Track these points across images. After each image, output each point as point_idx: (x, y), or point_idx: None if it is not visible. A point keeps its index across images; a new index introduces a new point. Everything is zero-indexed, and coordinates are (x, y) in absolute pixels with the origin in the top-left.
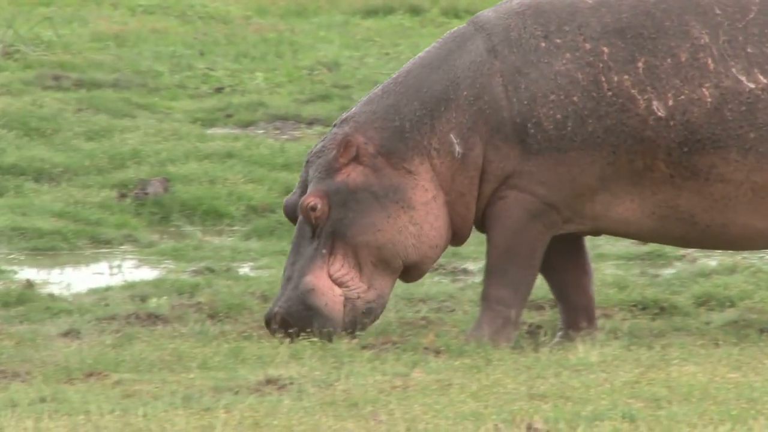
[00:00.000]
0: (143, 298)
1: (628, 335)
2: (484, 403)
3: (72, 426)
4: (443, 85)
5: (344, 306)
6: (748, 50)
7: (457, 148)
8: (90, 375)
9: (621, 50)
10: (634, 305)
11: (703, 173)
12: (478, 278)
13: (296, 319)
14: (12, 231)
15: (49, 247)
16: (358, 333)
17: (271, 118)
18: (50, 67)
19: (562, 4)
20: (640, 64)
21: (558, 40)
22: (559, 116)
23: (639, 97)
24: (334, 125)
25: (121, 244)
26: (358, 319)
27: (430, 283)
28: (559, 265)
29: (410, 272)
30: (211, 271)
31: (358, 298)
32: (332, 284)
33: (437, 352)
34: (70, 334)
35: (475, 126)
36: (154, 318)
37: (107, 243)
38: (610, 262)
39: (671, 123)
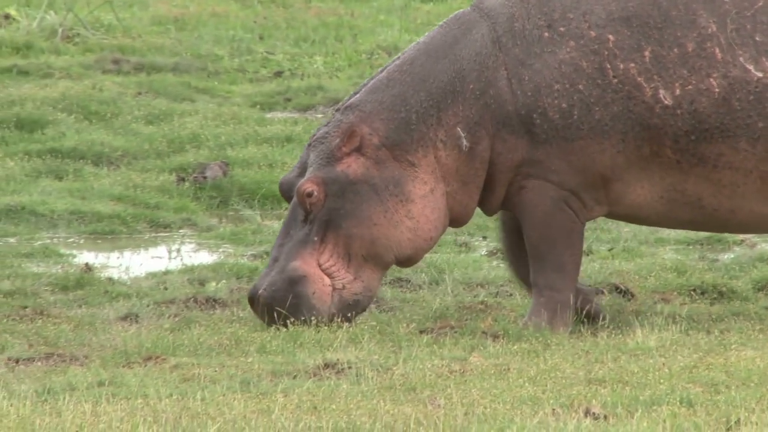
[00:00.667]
0: (202, 282)
1: (687, 320)
2: (542, 388)
3: (130, 410)
4: (449, 77)
5: (331, 297)
6: (757, 39)
7: (465, 142)
8: (148, 359)
9: (627, 38)
10: (693, 290)
11: (711, 160)
12: None
13: (280, 304)
14: (71, 215)
15: (108, 231)
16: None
17: (330, 102)
18: (110, 51)
19: None
20: (646, 53)
21: (562, 29)
22: (564, 105)
23: (645, 85)
24: (337, 110)
25: (180, 228)
26: (344, 311)
27: (488, 268)
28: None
29: (402, 263)
30: (270, 254)
31: (344, 288)
32: (322, 273)
33: (495, 337)
34: (128, 318)
35: (481, 120)
36: (212, 302)
37: (166, 227)
38: (669, 246)
39: (678, 112)
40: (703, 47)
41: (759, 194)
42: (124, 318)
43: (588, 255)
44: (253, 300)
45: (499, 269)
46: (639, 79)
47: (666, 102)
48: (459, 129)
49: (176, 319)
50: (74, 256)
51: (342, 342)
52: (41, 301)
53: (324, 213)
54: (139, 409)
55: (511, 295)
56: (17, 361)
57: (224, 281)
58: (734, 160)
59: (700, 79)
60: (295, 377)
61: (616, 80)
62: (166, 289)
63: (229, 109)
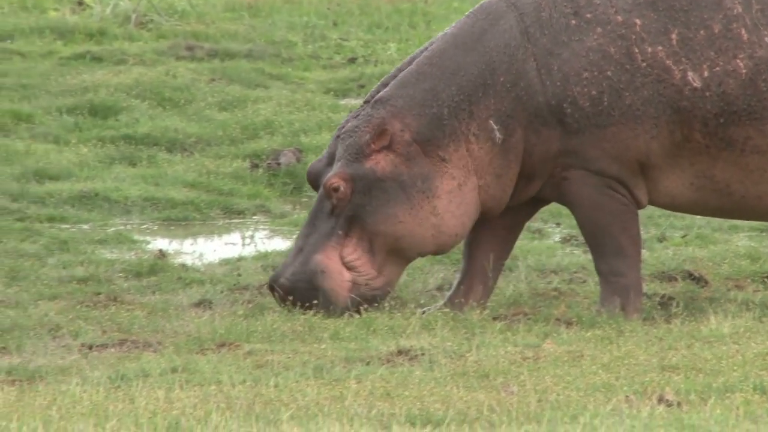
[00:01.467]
0: (275, 269)
1: (760, 307)
2: (616, 375)
3: (203, 396)
4: (479, 69)
5: (350, 291)
6: None
7: (497, 134)
8: (222, 345)
9: (654, 22)
10: (766, 277)
11: (738, 144)
12: None
13: (300, 294)
14: (145, 201)
15: (181, 218)
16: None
17: None
18: (184, 37)
19: None
20: (673, 36)
21: (588, 15)
22: (594, 92)
23: (674, 67)
24: (366, 102)
25: (254, 215)
26: (361, 304)
27: (562, 254)
28: (486, 238)
29: (430, 254)
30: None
31: (366, 284)
32: (342, 268)
33: (569, 324)
34: (202, 304)
35: (513, 112)
36: None
37: (240, 213)
38: (743, 233)
39: (707, 94)
40: (729, 28)
41: None
42: (198, 304)
43: (661, 242)
44: (273, 287)
45: (573, 256)
46: (668, 62)
47: (695, 84)
48: (492, 122)
49: (250, 305)
50: (148, 243)
51: (415, 328)
52: (115, 288)
53: (350, 208)
54: (213, 396)
55: (584, 281)
56: (91, 348)
57: None
58: (761, 144)
59: (727, 61)
60: (368, 364)
61: (645, 64)
62: (239, 275)
63: (303, 95)
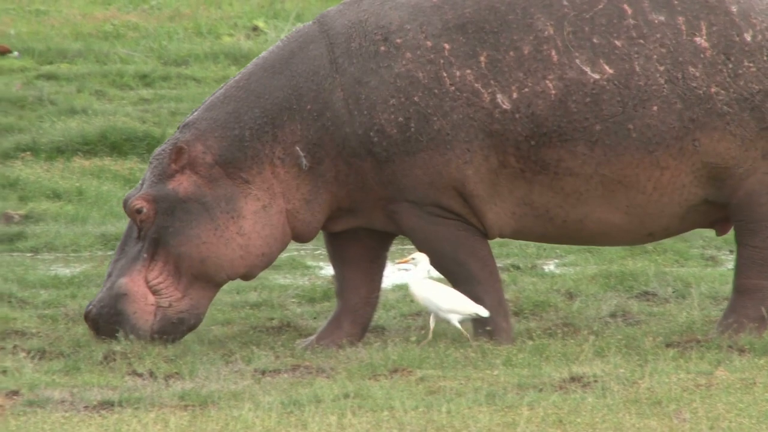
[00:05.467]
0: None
1: None
2: None
3: (375, 422)
4: (285, 93)
5: (155, 315)
6: (594, 41)
7: (304, 161)
8: (394, 371)
9: (462, 45)
10: None
11: (552, 167)
12: None
13: (105, 321)
14: None
15: None
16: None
17: None
18: None
19: (406, 5)
20: (482, 58)
21: (399, 40)
22: (401, 119)
23: (483, 90)
24: (178, 128)
25: None
26: (169, 329)
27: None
28: (352, 276)
29: (242, 278)
30: (517, 268)
31: (170, 306)
32: (147, 291)
33: (741, 351)
34: (375, 330)
35: (320, 141)
36: None
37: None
38: None
39: (517, 116)
40: (539, 50)
41: (602, 200)
42: (371, 330)
43: None
44: (85, 316)
45: None
46: (476, 85)
47: (504, 106)
48: (298, 148)
49: (422, 331)
50: (321, 268)
51: (588, 355)
52: (288, 313)
53: (154, 230)
54: (385, 422)
55: None
56: (263, 373)
57: None
58: (573, 165)
59: (536, 81)
60: (540, 390)
61: (453, 88)
62: (412, 301)
63: None
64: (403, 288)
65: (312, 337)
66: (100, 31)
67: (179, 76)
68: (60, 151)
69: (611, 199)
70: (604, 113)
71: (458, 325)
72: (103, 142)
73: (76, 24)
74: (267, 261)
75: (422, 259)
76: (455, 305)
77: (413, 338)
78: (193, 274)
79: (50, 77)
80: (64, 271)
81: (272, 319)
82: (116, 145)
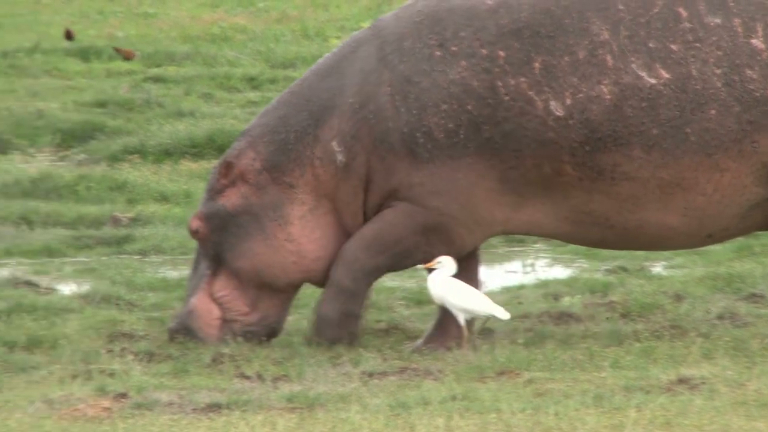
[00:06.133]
0: (556, 297)
1: None
2: None
3: (482, 424)
4: (330, 94)
5: (221, 329)
6: (650, 45)
7: (339, 157)
8: (502, 373)
9: (517, 52)
10: None
11: (608, 172)
12: None
13: (182, 337)
14: None
15: None
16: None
17: None
18: None
19: (461, 8)
20: (536, 64)
21: (454, 48)
22: (451, 125)
23: (536, 98)
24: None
25: (535, 243)
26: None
27: None
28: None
29: (309, 283)
30: (625, 270)
31: (236, 321)
32: (211, 306)
33: None
34: (482, 332)
35: (358, 134)
36: (566, 317)
37: (520, 241)
38: None
39: (570, 122)
40: (594, 54)
41: (660, 204)
42: (478, 332)
43: None
44: (168, 332)
45: None
46: (530, 93)
47: (558, 113)
48: (334, 143)
49: (530, 333)
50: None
51: (696, 357)
52: (395, 316)
53: (212, 247)
54: (492, 424)
55: None
56: (371, 375)
57: (578, 296)
58: (630, 170)
59: (591, 87)
60: (648, 392)
61: (507, 98)
62: (520, 303)
63: None
64: (511, 290)
65: (420, 341)
66: (208, 33)
67: (286, 78)
68: (168, 153)
69: (668, 202)
70: (661, 117)
71: (462, 323)
72: (211, 145)
73: (184, 26)
74: (324, 264)
75: (448, 262)
76: (469, 304)
77: (520, 340)
78: (256, 286)
79: (158, 80)
80: (172, 274)
81: (379, 321)
82: (224, 147)
